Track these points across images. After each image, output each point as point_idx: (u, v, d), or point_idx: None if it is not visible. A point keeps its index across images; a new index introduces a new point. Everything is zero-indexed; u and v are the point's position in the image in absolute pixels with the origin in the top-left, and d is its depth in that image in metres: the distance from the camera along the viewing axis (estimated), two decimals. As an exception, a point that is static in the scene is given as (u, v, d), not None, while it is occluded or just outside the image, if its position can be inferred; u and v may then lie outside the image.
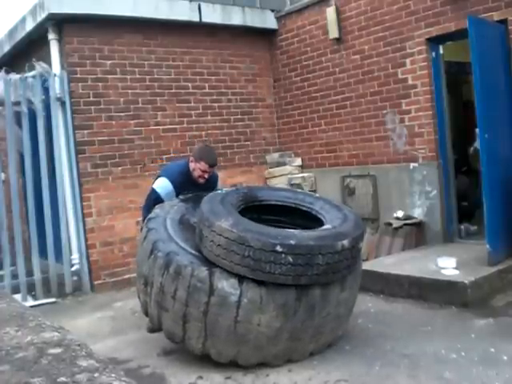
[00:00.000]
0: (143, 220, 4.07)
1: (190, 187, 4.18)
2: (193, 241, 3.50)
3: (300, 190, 4.32)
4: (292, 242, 3.11)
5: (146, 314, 3.70)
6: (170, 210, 3.81)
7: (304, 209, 3.92)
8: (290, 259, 3.08)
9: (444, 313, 4.17)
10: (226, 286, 3.18)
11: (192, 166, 4.20)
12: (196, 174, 4.19)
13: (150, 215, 3.80)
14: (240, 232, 3.14)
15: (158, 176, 4.39)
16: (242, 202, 3.74)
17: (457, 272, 4.51)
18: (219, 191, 3.85)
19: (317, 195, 4.22)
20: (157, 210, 3.84)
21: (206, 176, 4.20)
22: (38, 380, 1.24)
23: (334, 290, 3.36)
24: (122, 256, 6.10)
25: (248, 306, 3.17)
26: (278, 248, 3.07)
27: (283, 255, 3.07)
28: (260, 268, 3.10)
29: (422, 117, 5.78)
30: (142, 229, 3.95)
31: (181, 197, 4.11)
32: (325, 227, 3.51)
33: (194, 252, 3.38)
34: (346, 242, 3.26)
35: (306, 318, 3.28)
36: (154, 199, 4.17)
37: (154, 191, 4.23)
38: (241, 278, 3.17)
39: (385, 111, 6.15)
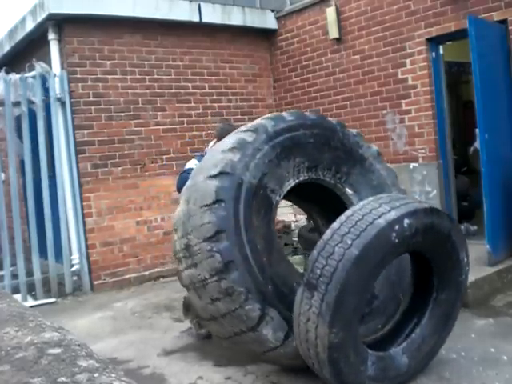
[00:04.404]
0: (178, 190, 3.91)
1: None
2: (260, 232, 3.02)
3: None
4: None
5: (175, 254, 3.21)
6: (250, 164, 3.08)
7: None
8: None
9: (444, 313, 4.16)
10: (271, 335, 2.90)
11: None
12: None
13: (224, 167, 3.04)
14: (331, 356, 2.61)
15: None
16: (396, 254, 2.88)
17: (457, 272, 4.49)
18: (393, 237, 2.68)
19: None
20: (235, 159, 3.07)
21: None
22: (38, 380, 1.24)
23: None
24: (121, 256, 6.10)
25: (277, 353, 2.97)
26: None
27: None
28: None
29: (422, 117, 5.78)
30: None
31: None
32: None
33: (255, 269, 2.92)
34: None
35: None
36: (185, 179, 3.97)
37: (185, 170, 4.14)
38: (288, 333, 2.89)
39: (385, 111, 6.14)
